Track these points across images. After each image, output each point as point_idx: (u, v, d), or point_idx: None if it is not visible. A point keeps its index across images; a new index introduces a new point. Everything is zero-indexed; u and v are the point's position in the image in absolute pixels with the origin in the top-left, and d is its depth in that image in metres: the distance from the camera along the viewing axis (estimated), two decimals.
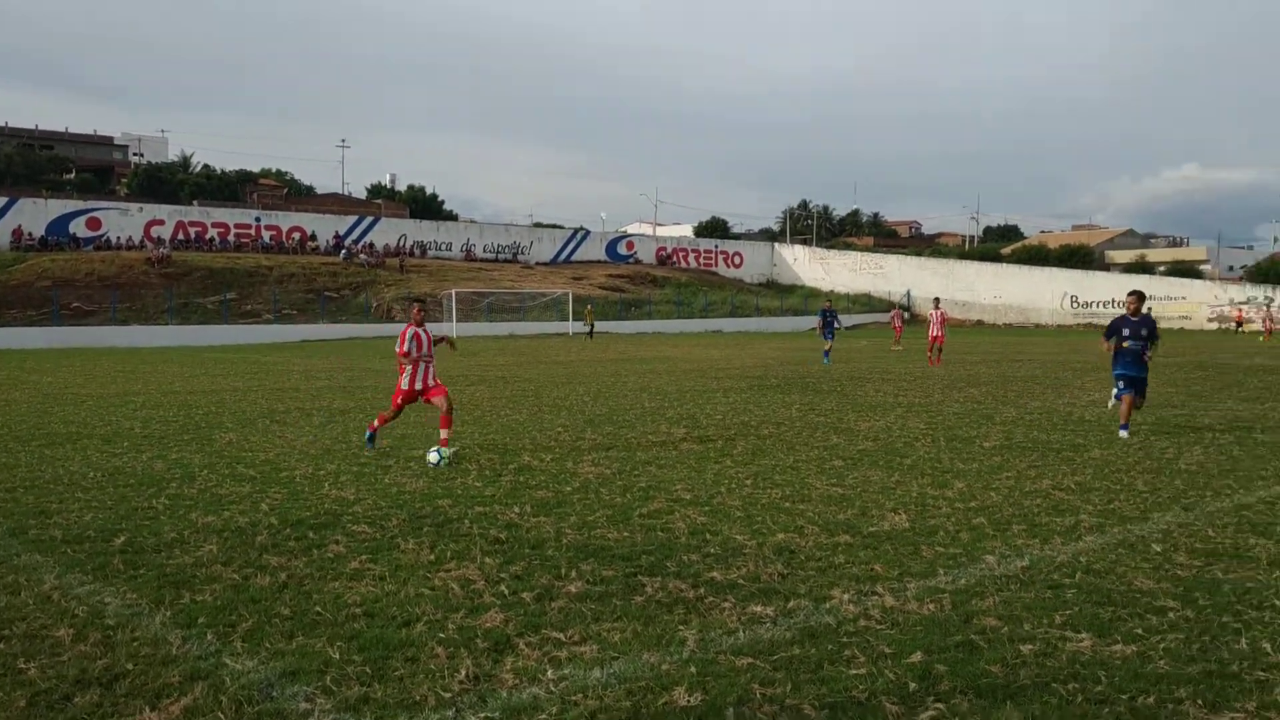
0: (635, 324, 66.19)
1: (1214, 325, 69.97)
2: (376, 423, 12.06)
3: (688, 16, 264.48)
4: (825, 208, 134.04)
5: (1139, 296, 12.94)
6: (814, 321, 34.55)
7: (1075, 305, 77.95)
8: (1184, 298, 72.94)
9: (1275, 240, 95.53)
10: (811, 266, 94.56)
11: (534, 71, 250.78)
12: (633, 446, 11.94)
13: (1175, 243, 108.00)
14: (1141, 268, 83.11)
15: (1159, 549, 6.83)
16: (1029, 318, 79.78)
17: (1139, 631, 5.10)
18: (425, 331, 11.54)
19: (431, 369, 11.58)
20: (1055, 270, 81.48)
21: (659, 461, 10.82)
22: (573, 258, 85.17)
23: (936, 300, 30.46)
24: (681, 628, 5.21)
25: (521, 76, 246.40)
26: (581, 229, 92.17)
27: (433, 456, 10.56)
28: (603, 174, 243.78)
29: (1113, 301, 76.26)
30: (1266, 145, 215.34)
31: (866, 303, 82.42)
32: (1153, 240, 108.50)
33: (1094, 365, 27.57)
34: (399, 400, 11.57)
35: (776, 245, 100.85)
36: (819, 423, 14.31)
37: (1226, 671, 4.54)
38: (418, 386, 11.45)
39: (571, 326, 60.88)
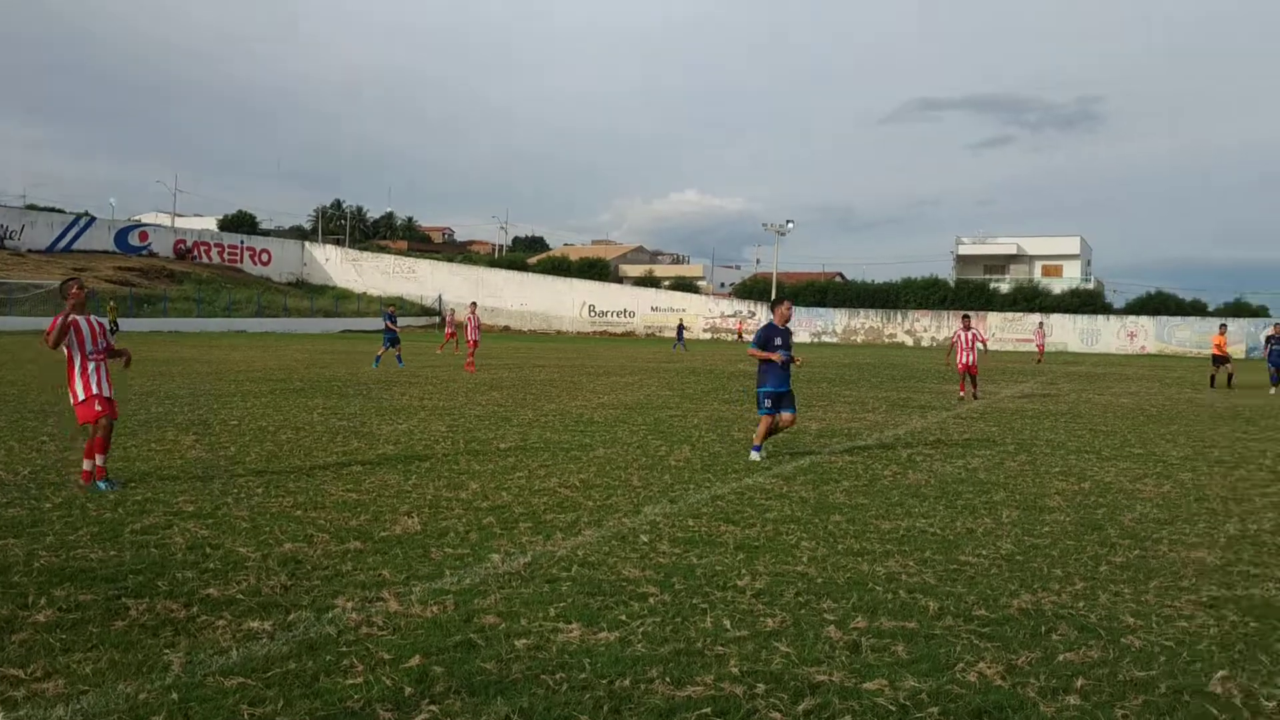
0: (150, 322, 60.94)
1: (708, 335, 78.18)
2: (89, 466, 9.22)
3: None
4: (359, 209, 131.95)
5: (790, 304, 12.37)
6: (350, 324, 33.91)
7: (593, 314, 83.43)
8: (685, 310, 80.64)
9: (757, 261, 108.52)
10: (344, 268, 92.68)
11: (31, 34, 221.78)
12: (131, 456, 10.93)
13: (678, 260, 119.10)
14: (650, 281, 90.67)
15: (646, 539, 7.47)
16: (552, 325, 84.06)
17: (622, 618, 5.53)
18: (92, 322, 9.48)
19: (105, 371, 9.51)
20: (576, 281, 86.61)
21: (160, 472, 10.01)
22: (74, 246, 76.58)
23: (473, 305, 31.15)
24: (168, 651, 4.83)
25: (15, 38, 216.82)
26: (85, 214, 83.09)
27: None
28: (114, 157, 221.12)
29: (625, 311, 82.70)
30: (751, 179, 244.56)
31: (401, 305, 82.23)
32: (660, 256, 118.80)
33: (606, 369, 29.66)
34: (87, 413, 9.23)
35: (308, 244, 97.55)
36: (341, 427, 14.03)
37: (693, 649, 5.06)
38: (102, 391, 9.31)
39: None
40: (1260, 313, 68.07)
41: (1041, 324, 58.49)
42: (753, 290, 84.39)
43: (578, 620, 5.46)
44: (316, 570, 6.41)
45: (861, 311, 77.01)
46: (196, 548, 6.91)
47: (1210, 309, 71.61)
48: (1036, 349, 48.93)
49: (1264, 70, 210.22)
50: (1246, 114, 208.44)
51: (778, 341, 11.82)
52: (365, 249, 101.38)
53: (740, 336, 75.45)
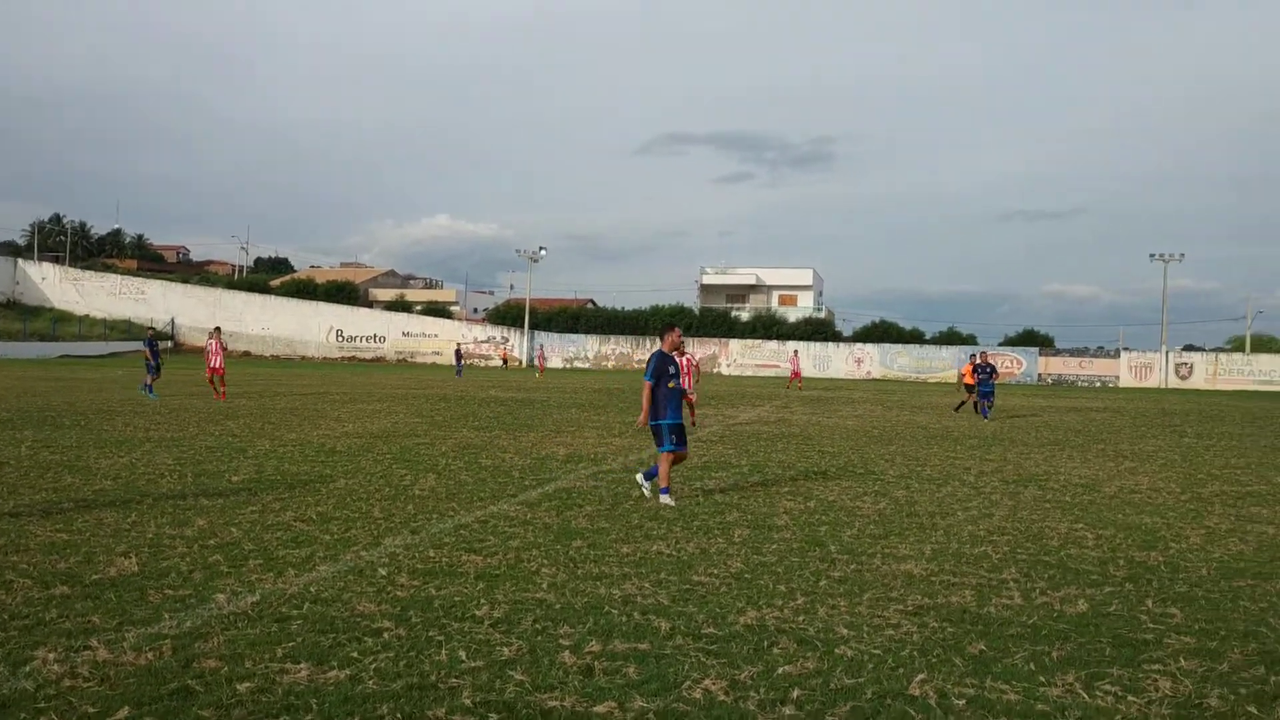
0: None
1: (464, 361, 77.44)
2: None
3: None
4: (82, 224, 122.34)
5: (680, 331, 11.68)
6: (70, 349, 30.93)
7: (341, 339, 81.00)
8: (437, 335, 79.72)
9: (510, 287, 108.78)
10: (64, 287, 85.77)
11: None
12: None
13: (431, 284, 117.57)
14: (402, 306, 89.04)
15: (384, 572, 7.32)
16: (297, 350, 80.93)
17: (354, 655, 5.40)
18: None
19: None
20: (323, 305, 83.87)
21: None
22: None
23: (217, 329, 29.11)
24: None
25: None
26: None
27: None
28: None
29: (375, 336, 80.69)
30: (504, 205, 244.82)
31: (126, 329, 76.82)
32: (412, 280, 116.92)
33: (353, 396, 28.83)
34: None
35: (21, 261, 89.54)
36: (53, 461, 12.95)
37: (426, 683, 5.00)
38: None
39: None
40: (969, 340, 74.54)
41: (796, 351, 60.98)
42: (506, 316, 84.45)
43: (306, 660, 5.28)
44: (15, 620, 5.89)
45: (613, 338, 78.66)
46: None
47: (927, 337, 77.82)
48: (791, 375, 48.75)
49: (979, 118, 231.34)
50: (964, 156, 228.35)
51: (670, 370, 11.12)
52: (89, 268, 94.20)
53: (505, 363, 75.19)
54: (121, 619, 5.97)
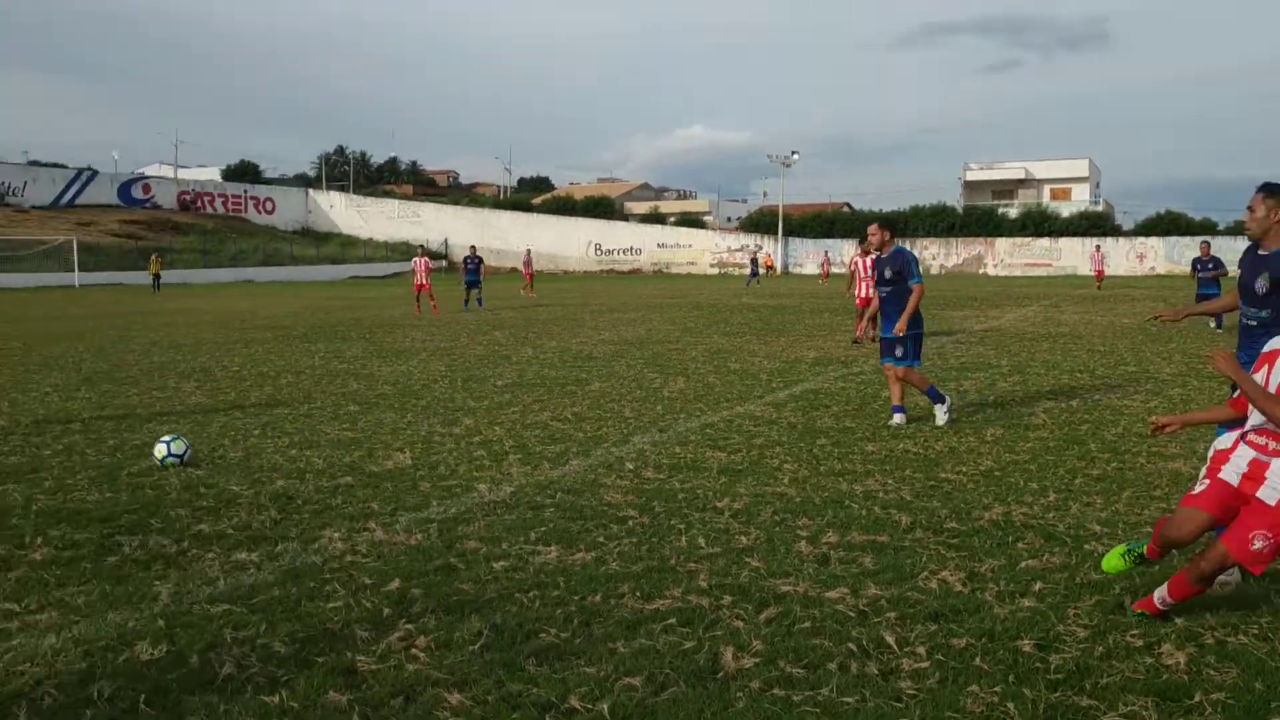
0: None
1: (715, 270, 77.96)
2: None
3: None
4: (363, 154, 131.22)
5: (879, 227, 9.64)
6: (356, 270, 33.84)
7: (599, 253, 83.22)
8: (691, 245, 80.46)
9: (764, 195, 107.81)
10: (349, 214, 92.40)
11: None
12: (132, 403, 11.12)
13: (684, 195, 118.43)
14: (657, 218, 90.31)
15: (632, 466, 7.61)
16: (559, 264, 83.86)
17: (600, 539, 5.69)
18: None
19: None
20: (581, 220, 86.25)
21: (160, 416, 10.19)
22: (77, 201, 76.52)
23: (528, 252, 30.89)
24: (157, 583, 5.01)
25: None
26: (88, 169, 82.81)
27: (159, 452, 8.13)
28: (113, 109, 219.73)
29: (631, 249, 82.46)
30: (756, 112, 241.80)
31: (405, 251, 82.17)
32: (665, 193, 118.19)
33: (610, 306, 29.73)
34: None
35: (312, 192, 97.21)
36: (340, 370, 14.19)
37: (665, 566, 5.21)
38: None
39: (77, 278, 54.88)
40: None
41: (1099, 246, 54.53)
42: (759, 223, 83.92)
43: (556, 543, 5.61)
44: (307, 505, 6.58)
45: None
46: (191, 488, 7.08)
47: (1220, 227, 71.04)
48: (1095, 274, 45.08)
49: None
50: (1251, 33, 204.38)
51: (886, 273, 9.43)
52: (370, 194, 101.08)
53: (765, 271, 74.90)
54: (396, 505, 6.54)
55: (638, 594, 4.78)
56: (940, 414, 9.33)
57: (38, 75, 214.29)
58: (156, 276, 48.06)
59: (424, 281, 28.60)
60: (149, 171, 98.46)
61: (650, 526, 5.96)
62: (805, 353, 16.09)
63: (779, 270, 76.45)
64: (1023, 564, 5.14)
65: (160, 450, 7.79)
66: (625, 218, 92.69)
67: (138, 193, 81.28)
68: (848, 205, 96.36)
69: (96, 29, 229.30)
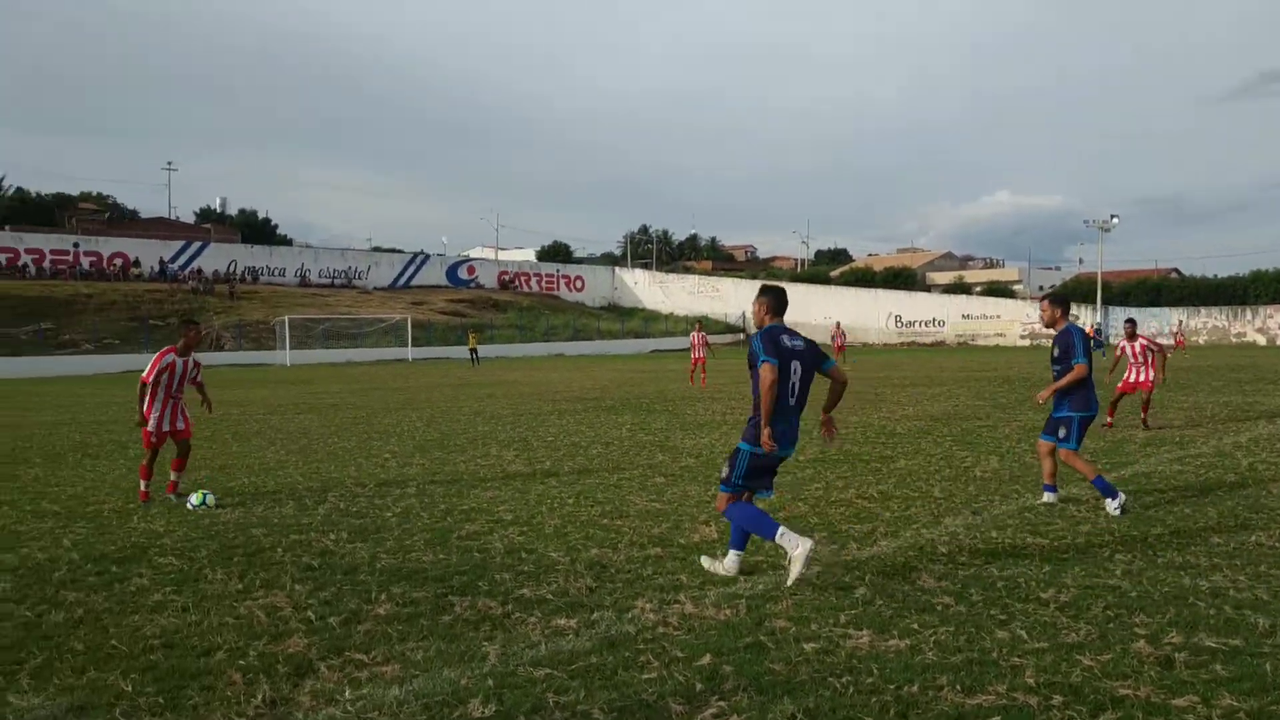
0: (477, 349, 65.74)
1: (1026, 342, 74.24)
2: (142, 481, 10.13)
3: (517, 37, 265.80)
4: (665, 232, 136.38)
5: (1050, 304, 9.41)
6: (658, 344, 35.00)
7: (900, 325, 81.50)
8: (998, 316, 77.19)
9: (1080, 261, 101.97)
10: (651, 290, 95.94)
11: (370, 93, 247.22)
12: (460, 470, 11.96)
13: (990, 264, 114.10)
14: (961, 288, 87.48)
15: (945, 550, 7.31)
16: (857, 336, 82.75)
17: (914, 627, 5.48)
18: (187, 362, 10.15)
19: (180, 408, 10.21)
20: (880, 291, 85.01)
21: (485, 484, 10.88)
22: (413, 282, 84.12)
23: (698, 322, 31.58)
24: (485, 643, 5.31)
25: (358, 97, 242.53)
26: (421, 253, 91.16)
27: (195, 498, 9.66)
28: (443, 197, 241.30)
29: (934, 320, 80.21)
30: (1069, 174, 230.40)
31: (704, 324, 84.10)
32: (970, 262, 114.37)
33: (911, 380, 28.94)
34: (148, 441, 10.01)
35: (618, 269, 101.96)
36: (646, 441, 14.61)
37: (986, 659, 4.93)
38: (165, 428, 10.02)
39: (410, 352, 60.04)
40: None
41: None
42: (1075, 292, 79.38)
43: (868, 627, 5.46)
44: (619, 574, 6.78)
45: (1203, 310, 70.47)
46: (513, 552, 7.49)
47: None
48: None
49: None
50: None
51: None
52: (671, 270, 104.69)
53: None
54: (704, 579, 6.60)
55: (957, 687, 4.55)
56: (1111, 507, 8.57)
57: (378, 172, 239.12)
58: (474, 351, 51.70)
59: (700, 355, 29.22)
60: (473, 254, 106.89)
61: (968, 615, 5.67)
62: (1133, 432, 14.93)
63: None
64: None
65: (196, 498, 9.64)
66: (927, 288, 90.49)
67: (463, 274, 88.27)
68: (1176, 271, 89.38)
69: (425, 128, 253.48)
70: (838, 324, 41.88)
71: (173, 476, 10.28)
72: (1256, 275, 72.20)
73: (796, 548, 6.24)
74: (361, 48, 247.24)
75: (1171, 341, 54.83)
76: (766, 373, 6.38)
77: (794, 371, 6.63)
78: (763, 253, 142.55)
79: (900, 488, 10.15)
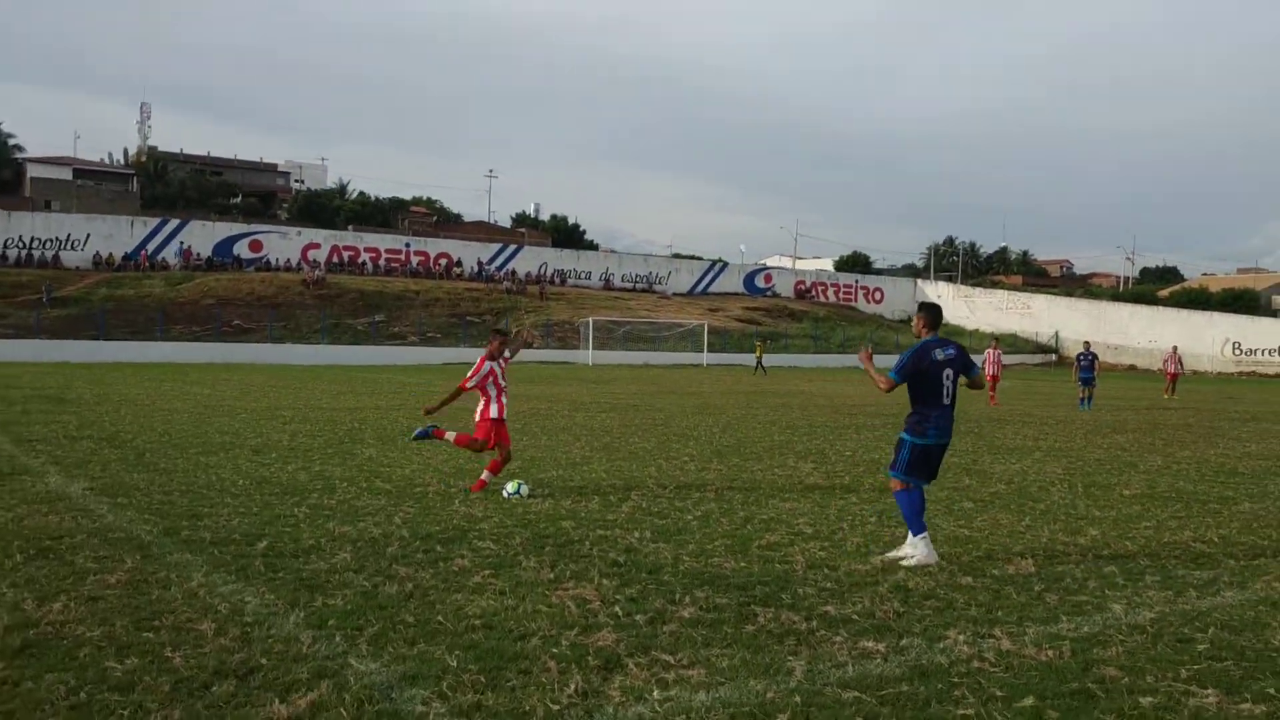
0: (772, 357, 65.75)
1: None
2: (451, 436, 10.77)
3: (830, 48, 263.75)
4: (972, 244, 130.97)
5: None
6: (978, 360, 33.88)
7: (1238, 352, 74.02)
8: None
9: None
10: (955, 304, 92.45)
11: (677, 104, 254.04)
12: (758, 478, 11.95)
13: None
14: None
15: None
16: (1187, 364, 75.99)
17: (1271, 691, 4.88)
18: (503, 363, 10.74)
19: (505, 402, 10.66)
20: (1216, 315, 77.61)
21: (783, 494, 10.81)
22: (709, 289, 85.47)
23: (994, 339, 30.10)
24: (790, 658, 5.23)
25: (665, 109, 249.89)
26: (720, 260, 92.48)
27: (510, 487, 10.17)
28: (743, 206, 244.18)
29: (1279, 349, 72.25)
30: None
31: (1012, 343, 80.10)
32: None
33: (1253, 415, 26.18)
34: (483, 433, 10.50)
35: (919, 281, 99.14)
36: (952, 464, 13.98)
37: None
38: (496, 415, 10.48)
39: (705, 358, 61.07)
40: None
41: None
42: None
43: (1215, 687, 4.91)
44: (928, 600, 6.49)
45: None
46: (815, 567, 7.36)
47: None
48: None
49: None
50: None
51: None
52: (978, 285, 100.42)
53: None
54: (1021, 614, 6.20)
55: None
56: None
57: (681, 181, 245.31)
58: (760, 360, 51.88)
59: (995, 372, 28.39)
60: (770, 262, 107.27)
61: None
62: None
63: None
64: None
65: (511, 487, 10.10)
66: (1273, 313, 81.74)
67: (760, 282, 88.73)
68: None
69: (726, 137, 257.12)
70: (1173, 349, 37.46)
71: (485, 476, 10.77)
72: None
73: (923, 557, 7.46)
74: (671, 59, 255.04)
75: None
76: (883, 384, 7.92)
77: (946, 377, 7.78)
78: (1080, 268, 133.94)
79: (1245, 533, 9.14)
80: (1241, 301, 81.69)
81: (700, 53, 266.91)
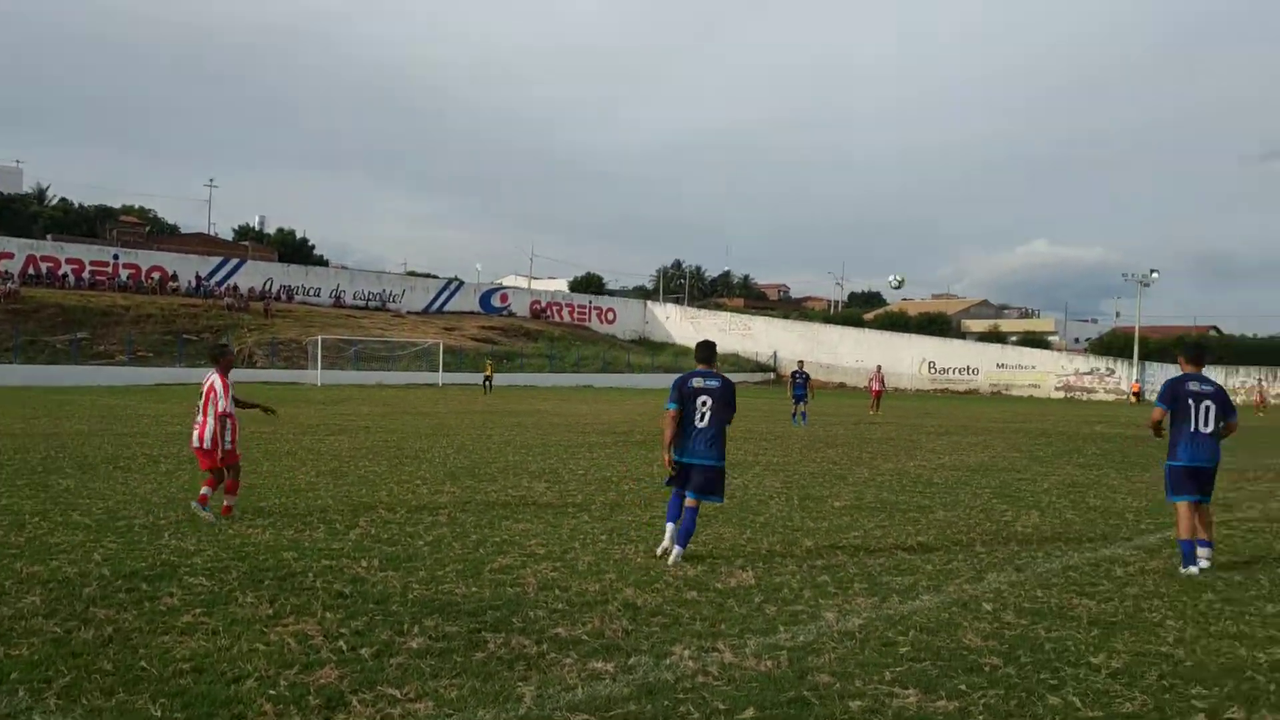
0: (507, 376, 65.72)
1: (1060, 394, 73.50)
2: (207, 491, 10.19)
3: (560, 68, 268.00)
4: (698, 268, 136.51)
5: (1193, 350, 9.38)
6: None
7: (933, 371, 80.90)
8: (1033, 367, 76.49)
9: (1117, 315, 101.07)
10: (682, 325, 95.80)
11: (413, 119, 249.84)
12: (492, 499, 11.85)
13: (1026, 314, 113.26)
14: (995, 337, 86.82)
15: (990, 608, 7.11)
16: (889, 382, 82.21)
17: (962, 688, 5.29)
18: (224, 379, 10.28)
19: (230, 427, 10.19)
20: (915, 337, 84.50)
21: (516, 516, 10.76)
22: (445, 308, 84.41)
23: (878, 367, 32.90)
24: (520, 684, 5.18)
25: (401, 123, 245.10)
26: (455, 279, 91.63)
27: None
28: (480, 225, 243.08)
29: (968, 368, 79.58)
30: (1109, 226, 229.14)
31: (735, 362, 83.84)
32: (1005, 311, 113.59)
33: (947, 429, 28.62)
34: (209, 461, 10.16)
35: (649, 303, 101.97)
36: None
37: None
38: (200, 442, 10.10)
39: (441, 377, 60.22)
40: None
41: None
42: (1111, 346, 78.61)
43: (915, 686, 5.28)
44: (655, 616, 6.63)
45: (1242, 370, 69.50)
46: (547, 588, 7.36)
47: None
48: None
49: None
50: None
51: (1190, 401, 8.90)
52: (703, 307, 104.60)
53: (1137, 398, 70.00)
54: (742, 626, 6.45)
55: None
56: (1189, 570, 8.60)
57: (416, 198, 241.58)
58: (488, 379, 51.81)
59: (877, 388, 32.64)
60: (506, 282, 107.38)
61: (1017, 679, 5.48)
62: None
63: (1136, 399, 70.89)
64: None
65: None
66: (962, 335, 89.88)
67: (496, 301, 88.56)
68: (1215, 329, 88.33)
69: (463, 154, 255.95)
70: (878, 368, 40.90)
71: (226, 501, 10.20)
72: None
73: (669, 549, 8.62)
74: (402, 72, 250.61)
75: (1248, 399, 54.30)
76: (666, 415, 8.87)
77: (704, 404, 8.77)
78: (796, 293, 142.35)
79: (941, 539, 9.95)
80: (936, 324, 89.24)
81: (433, 68, 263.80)
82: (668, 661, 5.62)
